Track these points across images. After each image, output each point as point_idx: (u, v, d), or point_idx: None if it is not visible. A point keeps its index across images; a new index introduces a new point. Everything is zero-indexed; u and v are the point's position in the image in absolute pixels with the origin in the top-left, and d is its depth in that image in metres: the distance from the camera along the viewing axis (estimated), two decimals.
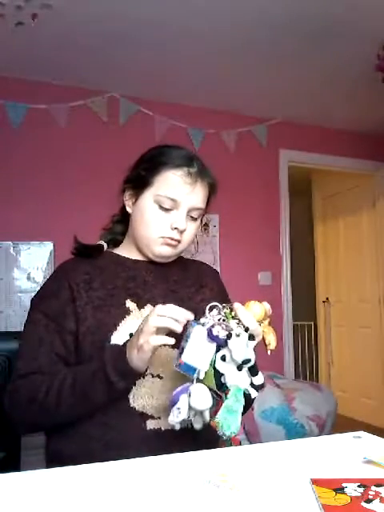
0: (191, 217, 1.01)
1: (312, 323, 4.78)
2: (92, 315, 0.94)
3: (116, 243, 1.12)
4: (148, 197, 1.00)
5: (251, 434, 2.38)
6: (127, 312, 0.95)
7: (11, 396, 0.92)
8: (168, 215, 0.99)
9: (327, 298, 4.46)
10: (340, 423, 3.11)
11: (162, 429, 0.89)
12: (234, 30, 2.40)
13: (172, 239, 1.00)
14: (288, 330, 3.47)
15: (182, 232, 1.00)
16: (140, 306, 0.98)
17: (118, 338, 0.91)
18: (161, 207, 0.99)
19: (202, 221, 1.08)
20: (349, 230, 4.26)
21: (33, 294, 1.04)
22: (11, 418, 0.93)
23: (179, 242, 1.01)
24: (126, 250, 1.08)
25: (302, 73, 2.85)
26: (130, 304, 0.97)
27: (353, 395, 4.06)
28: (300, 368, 4.58)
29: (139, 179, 1.02)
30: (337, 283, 4.37)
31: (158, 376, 0.92)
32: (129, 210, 1.05)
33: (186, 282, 1.09)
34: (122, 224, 1.11)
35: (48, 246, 2.80)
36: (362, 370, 3.99)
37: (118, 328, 0.92)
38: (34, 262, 2.77)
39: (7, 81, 2.78)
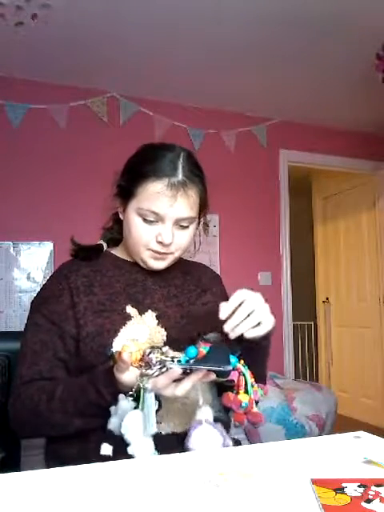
0: (181, 225, 0.96)
1: (312, 323, 4.78)
2: (92, 320, 0.93)
3: (116, 242, 1.11)
4: (132, 209, 0.96)
5: (251, 434, 2.38)
6: (128, 318, 0.95)
7: (15, 405, 0.91)
8: (153, 227, 0.95)
9: (327, 298, 4.46)
10: (340, 423, 3.11)
11: (163, 433, 0.88)
12: (233, 31, 2.40)
13: (158, 253, 0.97)
14: (288, 330, 3.47)
15: (168, 245, 0.95)
16: (141, 312, 0.97)
17: (119, 343, 0.90)
18: (145, 220, 0.94)
19: (200, 222, 1.04)
20: (349, 230, 4.26)
21: (33, 294, 1.03)
22: (17, 427, 0.93)
23: (168, 253, 0.98)
24: (124, 252, 1.07)
25: (302, 73, 2.85)
26: (130, 310, 0.96)
27: (353, 395, 4.06)
28: (300, 368, 4.58)
29: (122, 190, 0.99)
30: (337, 283, 4.37)
31: None
32: (121, 216, 1.03)
33: (188, 286, 1.08)
34: (120, 223, 1.09)
35: (48, 246, 2.80)
36: (361, 370, 3.99)
37: (118, 334, 0.91)
38: (34, 262, 2.77)
39: (7, 81, 2.78)
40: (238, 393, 0.79)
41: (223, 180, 3.14)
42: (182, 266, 1.09)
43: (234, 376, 0.79)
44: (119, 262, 1.05)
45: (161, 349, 0.78)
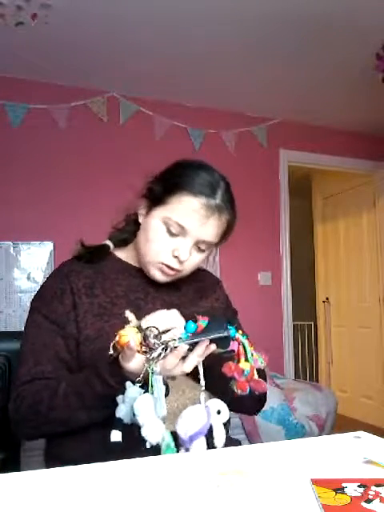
0: (199, 247, 0.95)
1: (312, 323, 4.78)
2: (92, 324, 0.93)
3: (125, 242, 1.08)
4: (158, 216, 0.94)
5: (251, 434, 2.38)
6: (127, 323, 0.94)
7: (16, 404, 0.90)
8: (173, 240, 0.93)
9: (327, 298, 4.46)
10: (340, 423, 3.11)
11: None
12: (233, 31, 2.40)
13: (170, 267, 0.95)
14: (288, 330, 3.47)
15: (182, 262, 0.94)
16: (139, 318, 0.95)
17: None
18: (168, 230, 0.93)
19: (216, 247, 1.01)
20: (349, 230, 4.26)
21: (33, 294, 1.02)
22: (17, 427, 0.92)
23: (177, 270, 0.96)
24: (131, 255, 1.05)
25: (302, 73, 2.85)
26: (129, 314, 0.96)
27: (353, 395, 4.06)
28: (300, 368, 4.58)
29: (155, 195, 0.96)
30: (337, 283, 4.37)
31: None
32: (140, 219, 1.00)
33: (189, 292, 1.06)
34: (133, 225, 1.06)
35: (48, 246, 2.80)
36: (362, 370, 3.99)
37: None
38: (34, 262, 2.77)
39: (7, 81, 2.79)
40: (238, 361, 0.79)
41: None
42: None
43: (233, 346, 0.80)
44: (123, 266, 1.04)
45: (157, 328, 0.78)
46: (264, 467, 0.66)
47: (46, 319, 0.95)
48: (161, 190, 0.95)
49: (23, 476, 0.64)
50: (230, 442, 1.04)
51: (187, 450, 0.75)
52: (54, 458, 0.95)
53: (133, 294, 1.00)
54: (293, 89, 3.05)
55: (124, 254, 1.06)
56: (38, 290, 1.02)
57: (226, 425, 1.01)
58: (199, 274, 1.15)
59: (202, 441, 0.74)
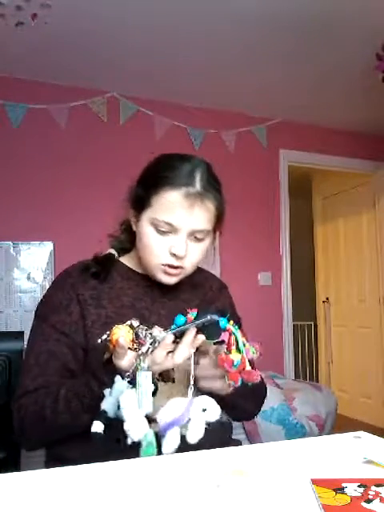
0: (196, 237, 0.93)
1: (312, 323, 4.78)
2: (98, 334, 0.91)
3: (125, 250, 1.07)
4: (146, 219, 0.93)
5: (251, 434, 2.38)
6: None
7: (20, 415, 0.89)
8: (166, 239, 0.92)
9: (327, 298, 4.46)
10: (340, 423, 3.11)
11: None
12: (233, 30, 2.40)
13: (171, 267, 0.93)
14: (288, 330, 3.47)
15: (182, 258, 0.92)
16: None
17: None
18: (158, 231, 0.91)
19: (215, 236, 0.99)
20: (349, 230, 4.26)
21: (33, 294, 1.01)
22: (23, 436, 0.91)
23: (181, 267, 0.94)
24: (134, 261, 1.04)
25: (302, 73, 2.85)
26: (135, 323, 0.96)
27: (353, 395, 4.06)
28: (300, 368, 4.58)
29: (137, 200, 0.95)
30: (337, 283, 4.37)
31: (163, 379, 0.90)
32: (134, 227, 0.99)
33: (195, 300, 1.05)
34: (129, 233, 1.04)
35: (48, 246, 2.80)
36: (361, 370, 3.99)
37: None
38: (34, 262, 2.77)
39: (7, 81, 2.79)
40: (229, 352, 0.78)
41: (223, 180, 3.13)
42: (190, 278, 1.05)
43: (224, 337, 0.79)
44: (129, 273, 1.03)
45: (148, 325, 0.78)
46: (264, 467, 0.66)
47: (52, 329, 0.94)
48: (141, 194, 0.94)
49: (23, 476, 0.64)
50: (230, 442, 1.04)
51: (162, 438, 0.73)
52: (54, 458, 0.95)
53: (139, 303, 0.99)
54: (293, 89, 3.05)
55: (129, 261, 1.05)
56: (41, 300, 1.01)
57: (225, 425, 1.01)
58: (207, 279, 1.14)
59: (176, 431, 0.72)
